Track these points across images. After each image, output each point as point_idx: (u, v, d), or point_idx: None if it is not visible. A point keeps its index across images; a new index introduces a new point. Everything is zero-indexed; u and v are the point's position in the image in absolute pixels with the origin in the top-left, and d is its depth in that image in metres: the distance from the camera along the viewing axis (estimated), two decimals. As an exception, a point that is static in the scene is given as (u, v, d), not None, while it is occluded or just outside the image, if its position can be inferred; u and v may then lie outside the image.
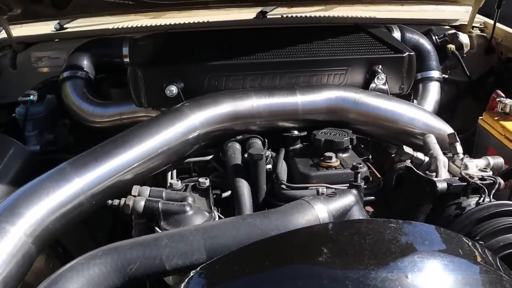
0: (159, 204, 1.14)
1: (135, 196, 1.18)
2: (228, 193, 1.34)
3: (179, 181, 1.29)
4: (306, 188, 1.22)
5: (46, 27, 2.39)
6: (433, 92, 1.92)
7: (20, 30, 2.37)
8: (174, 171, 1.48)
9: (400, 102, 1.50)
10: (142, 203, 1.14)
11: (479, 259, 0.80)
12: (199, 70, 1.56)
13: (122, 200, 1.16)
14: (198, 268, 0.85)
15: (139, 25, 2.31)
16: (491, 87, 2.11)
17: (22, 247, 1.04)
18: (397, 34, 1.99)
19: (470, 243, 0.84)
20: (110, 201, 1.17)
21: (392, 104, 1.47)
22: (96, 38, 2.10)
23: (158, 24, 2.30)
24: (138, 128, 1.34)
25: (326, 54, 1.62)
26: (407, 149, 1.29)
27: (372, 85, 1.56)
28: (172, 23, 2.29)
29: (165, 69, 1.57)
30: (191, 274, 0.87)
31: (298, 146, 1.44)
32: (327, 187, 1.19)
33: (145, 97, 1.59)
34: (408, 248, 0.77)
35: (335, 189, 1.17)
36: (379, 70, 1.56)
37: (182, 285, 0.84)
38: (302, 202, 1.04)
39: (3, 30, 2.29)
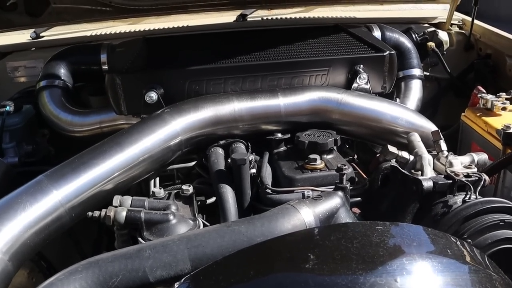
0: (141, 214, 1.11)
1: (116, 206, 1.15)
2: (213, 199, 1.32)
3: (162, 189, 1.26)
4: (291, 191, 1.20)
5: (22, 36, 2.34)
6: (415, 90, 1.93)
7: (-5, 39, 2.33)
8: (157, 179, 1.45)
9: (382, 101, 1.49)
10: (124, 213, 1.11)
11: (467, 258, 0.79)
12: (179, 75, 1.53)
13: (103, 211, 1.12)
14: (182, 280, 0.83)
15: (117, 32, 2.27)
16: (472, 83, 2.13)
17: None
18: (377, 33, 1.99)
19: (458, 243, 0.82)
20: (90, 213, 1.14)
21: (375, 103, 1.46)
22: (72, 45, 2.06)
23: (136, 30, 2.27)
24: (117, 136, 1.31)
25: (307, 55, 1.61)
26: (392, 149, 1.28)
27: (354, 84, 1.55)
28: (151, 28, 2.26)
29: (144, 76, 1.54)
30: (176, 286, 0.85)
31: (282, 149, 1.42)
32: (312, 190, 1.17)
33: (124, 104, 1.56)
34: (396, 251, 0.75)
35: (321, 191, 1.16)
36: (361, 70, 1.55)
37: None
38: (287, 207, 1.02)
39: (-23, 40, 2.24)
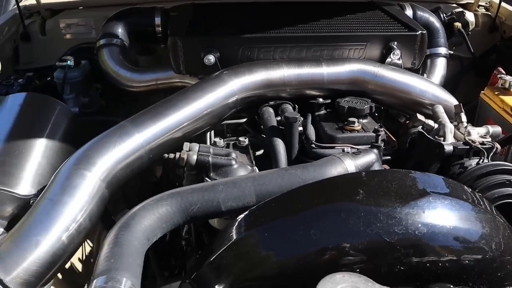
0: (210, 158, 1.33)
1: (187, 151, 1.38)
2: (261, 151, 1.54)
3: (221, 140, 1.49)
4: (333, 147, 1.42)
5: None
6: (440, 67, 2.11)
7: (48, -3, 2.47)
8: (212, 132, 1.68)
9: (413, 75, 1.69)
10: (195, 157, 1.34)
11: (478, 203, 1.01)
12: (234, 42, 1.72)
13: (177, 154, 1.35)
14: (257, 206, 1.05)
15: None
16: (493, 64, 2.29)
17: (98, 190, 1.23)
18: (409, 12, 2.15)
19: (471, 191, 1.05)
20: (166, 155, 1.36)
21: (406, 77, 1.65)
22: (129, 7, 2.24)
23: None
24: (185, 92, 1.52)
25: (346, 30, 1.80)
26: (420, 117, 1.49)
27: (388, 59, 1.74)
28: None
29: (203, 40, 1.73)
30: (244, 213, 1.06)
31: (323, 112, 1.63)
32: (351, 147, 1.40)
33: (183, 65, 1.76)
34: (424, 192, 0.97)
35: (358, 149, 1.38)
36: (395, 46, 1.74)
37: (242, 218, 1.05)
38: (333, 158, 1.24)
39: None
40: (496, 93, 1.79)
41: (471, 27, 2.45)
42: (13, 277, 1.05)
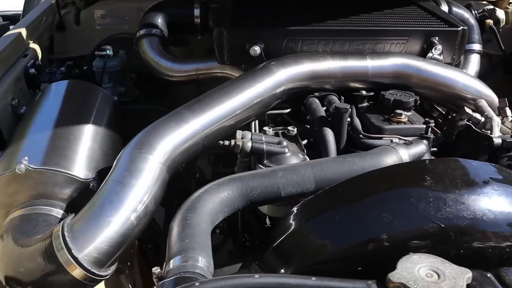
0: (264, 145, 1.38)
1: (241, 138, 1.42)
2: (305, 141, 1.58)
3: (271, 129, 1.53)
4: (381, 138, 1.46)
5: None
6: (474, 63, 2.14)
7: (82, -13, 2.51)
8: (257, 121, 1.72)
9: (456, 70, 1.72)
10: (249, 144, 1.38)
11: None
12: (278, 34, 1.76)
13: (232, 141, 1.39)
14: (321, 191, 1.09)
15: None
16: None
17: (160, 173, 1.27)
18: (444, 8, 2.18)
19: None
20: (221, 142, 1.41)
21: (450, 72, 1.69)
22: None
23: None
24: (236, 81, 1.55)
25: (388, 24, 1.83)
26: (468, 110, 1.53)
27: (429, 54, 1.77)
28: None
29: (249, 31, 1.76)
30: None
31: (365, 104, 1.67)
32: (399, 138, 1.43)
33: (228, 55, 1.80)
34: (487, 180, 0.99)
35: (405, 140, 1.42)
36: (436, 42, 1.77)
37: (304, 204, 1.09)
38: (387, 147, 1.28)
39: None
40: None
41: (501, 25, 2.48)
42: (85, 255, 1.11)
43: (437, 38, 1.78)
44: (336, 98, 1.61)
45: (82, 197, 1.38)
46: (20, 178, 1.35)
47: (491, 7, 2.50)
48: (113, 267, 1.19)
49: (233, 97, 1.49)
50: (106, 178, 1.24)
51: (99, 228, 1.12)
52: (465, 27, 1.82)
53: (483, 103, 1.55)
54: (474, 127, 1.42)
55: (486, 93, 1.69)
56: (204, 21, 2.18)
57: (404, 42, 1.79)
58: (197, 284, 0.79)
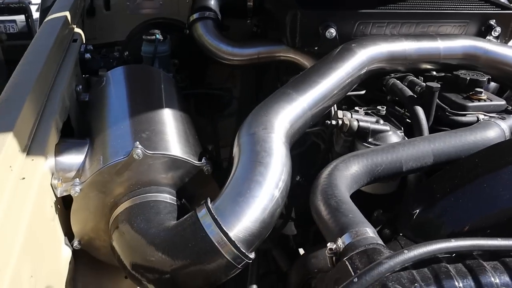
0: (369, 124, 1.45)
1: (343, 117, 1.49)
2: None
3: (361, 108, 1.60)
4: (465, 115, 1.57)
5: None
6: None
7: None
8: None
9: (518, 51, 1.85)
10: (356, 123, 1.45)
11: None
12: (351, 16, 1.82)
13: (339, 120, 1.46)
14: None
15: None
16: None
17: (287, 149, 1.29)
18: None
19: None
20: (328, 121, 1.47)
21: (513, 52, 1.82)
22: None
23: None
24: (326, 62, 1.57)
25: (450, 7, 1.93)
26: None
27: (488, 37, 1.90)
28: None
29: (323, 13, 1.81)
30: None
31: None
32: (484, 115, 1.55)
33: (300, 38, 1.84)
34: None
35: (490, 116, 1.53)
36: (494, 24, 1.89)
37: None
38: (489, 122, 1.40)
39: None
40: None
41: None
42: (235, 233, 1.11)
43: (494, 20, 1.90)
44: (416, 79, 1.70)
45: (193, 182, 1.41)
46: (134, 164, 1.33)
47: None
48: (254, 253, 1.17)
49: (328, 77, 1.53)
50: (237, 159, 1.26)
51: (249, 209, 1.12)
52: (517, 11, 1.96)
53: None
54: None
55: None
56: (257, 4, 2.20)
57: (465, 25, 1.91)
58: (405, 251, 0.85)
